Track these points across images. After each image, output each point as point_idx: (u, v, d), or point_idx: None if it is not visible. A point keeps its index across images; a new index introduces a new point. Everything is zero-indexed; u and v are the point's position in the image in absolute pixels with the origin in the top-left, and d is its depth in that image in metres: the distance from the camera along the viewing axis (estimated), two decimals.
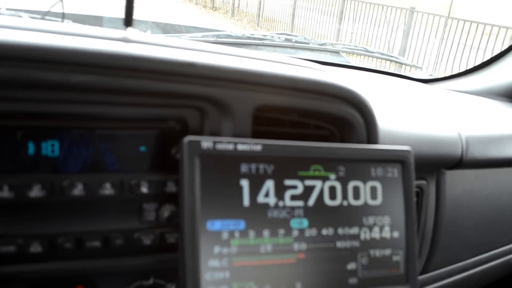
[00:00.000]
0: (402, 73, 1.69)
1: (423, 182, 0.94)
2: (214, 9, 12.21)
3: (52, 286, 0.62)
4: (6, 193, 0.56)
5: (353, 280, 0.64)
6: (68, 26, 0.63)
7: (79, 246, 0.60)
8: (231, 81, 0.62)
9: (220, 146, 0.58)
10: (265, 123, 0.67)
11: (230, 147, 0.58)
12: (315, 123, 0.72)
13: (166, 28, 1.87)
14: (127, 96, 0.59)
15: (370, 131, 0.71)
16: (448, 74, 1.67)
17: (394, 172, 0.67)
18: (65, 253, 0.60)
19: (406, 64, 1.80)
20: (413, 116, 1.00)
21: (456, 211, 1.01)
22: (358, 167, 0.65)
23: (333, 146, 0.64)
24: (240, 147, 0.58)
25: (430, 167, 0.94)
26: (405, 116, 0.97)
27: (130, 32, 0.63)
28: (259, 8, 10.59)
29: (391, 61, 1.77)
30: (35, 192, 0.57)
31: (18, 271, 0.59)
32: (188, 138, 0.56)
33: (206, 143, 0.57)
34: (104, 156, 0.62)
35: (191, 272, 0.55)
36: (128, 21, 0.62)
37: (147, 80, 0.58)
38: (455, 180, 0.99)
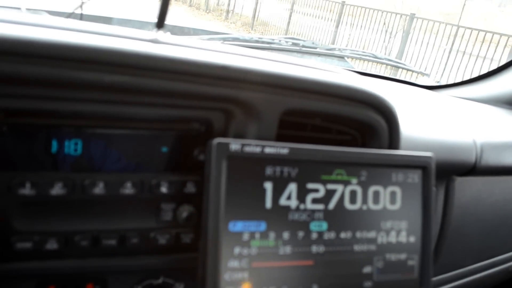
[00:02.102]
0: (409, 80, 1.69)
1: (433, 189, 0.95)
2: (207, 11, 12.18)
3: (64, 283, 0.62)
4: (28, 190, 0.56)
5: (368, 284, 0.64)
6: (98, 26, 0.63)
7: (95, 244, 0.60)
8: (261, 85, 0.62)
9: (247, 149, 0.58)
10: (287, 127, 0.68)
11: (258, 150, 0.58)
12: (338, 128, 0.72)
13: (174, 30, 1.87)
14: (155, 96, 0.59)
15: (393, 137, 0.71)
16: (446, 81, 1.68)
17: (414, 177, 0.68)
18: (80, 250, 0.60)
19: (413, 71, 1.81)
20: (426, 122, 1.01)
21: (462, 218, 1.02)
22: (380, 172, 0.66)
23: (358, 151, 0.65)
24: (267, 150, 0.59)
25: (442, 173, 0.94)
26: (419, 122, 0.97)
27: (160, 34, 0.64)
28: (255, 11, 10.57)
29: (398, 67, 1.77)
30: (57, 190, 0.57)
31: (32, 267, 0.59)
32: (217, 140, 0.57)
33: (235, 145, 0.57)
34: (126, 155, 0.62)
35: (211, 272, 0.55)
36: (160, 23, 0.63)
37: (179, 81, 0.58)
38: (464, 187, 1.00)
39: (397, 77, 1.76)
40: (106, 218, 0.61)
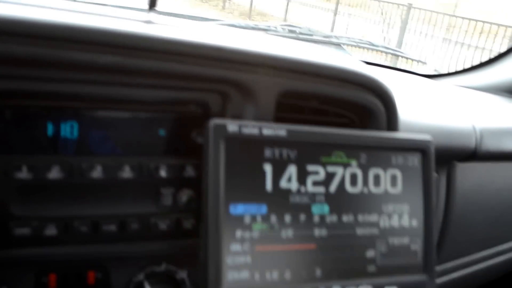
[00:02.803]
0: (406, 68, 1.68)
1: (435, 174, 0.94)
2: (204, 0, 12.11)
3: (64, 270, 0.61)
4: (24, 174, 0.55)
5: (371, 268, 0.63)
6: (93, 7, 0.62)
7: (95, 230, 0.60)
8: (258, 66, 0.62)
9: (245, 130, 0.57)
10: (284, 110, 0.67)
11: (256, 131, 0.57)
12: (335, 111, 0.71)
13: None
14: (151, 78, 0.58)
15: (390, 120, 0.71)
16: (445, 71, 1.67)
17: (414, 161, 0.67)
18: (80, 236, 0.59)
19: (411, 59, 1.80)
20: (425, 108, 1.00)
21: (466, 205, 1.01)
22: (379, 154, 0.65)
23: (356, 133, 0.64)
24: (265, 131, 0.58)
25: (442, 159, 0.93)
26: (417, 108, 0.97)
27: (154, 15, 0.63)
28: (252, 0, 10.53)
29: (396, 55, 1.76)
30: (54, 173, 0.57)
31: (31, 254, 0.58)
32: (213, 121, 0.56)
33: (232, 126, 0.56)
34: (124, 139, 0.61)
35: (213, 256, 0.55)
36: (152, 3, 0.62)
37: (174, 62, 0.57)
38: (465, 173, 0.99)
39: (395, 66, 1.75)
40: (105, 203, 0.61)
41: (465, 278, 1.11)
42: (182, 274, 0.66)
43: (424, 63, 1.75)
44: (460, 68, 1.67)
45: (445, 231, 0.99)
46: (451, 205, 0.98)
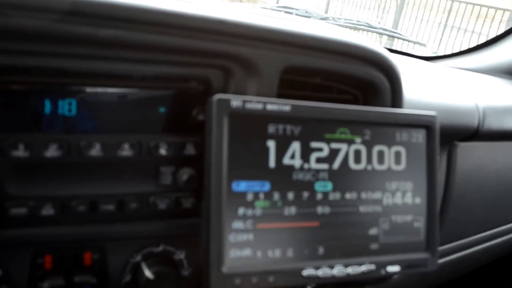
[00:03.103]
0: (405, 51, 1.67)
1: None
2: None
3: (60, 252, 0.60)
4: (21, 152, 0.54)
5: (374, 246, 0.63)
6: None
7: (93, 209, 0.58)
8: (261, 40, 0.60)
9: (249, 106, 0.56)
10: (287, 86, 0.66)
11: (259, 106, 0.56)
12: (339, 87, 0.70)
13: None
14: (152, 52, 0.57)
15: (395, 96, 0.70)
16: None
17: (418, 137, 0.66)
18: (78, 216, 0.58)
19: (409, 41, 1.78)
20: (427, 88, 0.99)
21: (465, 186, 1.01)
22: (384, 131, 0.64)
23: (361, 109, 0.63)
24: (269, 107, 0.57)
25: (444, 138, 0.93)
26: (419, 88, 0.96)
27: None
28: None
29: (394, 37, 1.75)
30: (51, 152, 0.55)
31: (27, 234, 0.57)
32: (217, 96, 0.55)
33: (236, 102, 0.55)
34: (123, 116, 0.60)
35: (215, 234, 0.54)
36: None
37: (175, 36, 0.56)
38: (466, 153, 0.99)
39: (393, 48, 1.74)
40: (104, 182, 0.59)
41: (461, 260, 1.11)
42: (180, 255, 0.66)
43: (422, 44, 1.73)
44: (458, 50, 1.66)
45: (444, 212, 0.99)
46: (451, 186, 0.98)
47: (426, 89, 0.97)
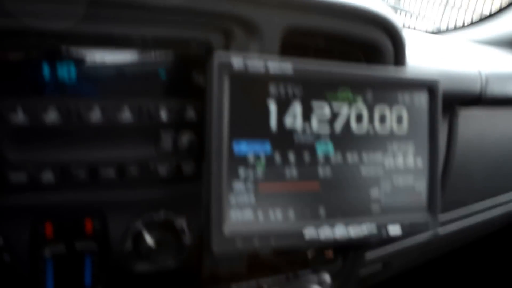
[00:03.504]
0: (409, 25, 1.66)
1: None
2: None
3: (61, 217, 0.60)
4: (20, 117, 0.53)
5: (375, 207, 0.63)
6: None
7: (93, 175, 0.58)
8: (261, 0, 0.59)
9: (250, 65, 0.55)
10: (290, 49, 0.65)
11: (261, 66, 0.56)
12: (341, 49, 0.69)
13: None
14: (151, 13, 0.56)
15: (398, 57, 0.69)
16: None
17: (421, 99, 0.66)
18: (78, 182, 0.57)
19: (413, 15, 1.76)
20: (430, 56, 0.98)
21: (466, 154, 1.01)
22: (386, 92, 0.63)
23: (363, 69, 0.63)
24: (271, 66, 0.56)
25: (446, 104, 0.93)
26: (422, 55, 0.95)
27: None
28: None
29: (395, 10, 1.73)
30: (51, 116, 0.54)
31: (27, 200, 0.56)
32: (218, 55, 0.54)
33: (237, 62, 0.55)
34: (122, 80, 0.59)
35: (216, 195, 0.54)
36: None
37: None
38: (467, 121, 0.99)
39: None
40: (104, 147, 0.59)
41: (462, 230, 1.12)
42: (181, 222, 0.65)
43: (426, 19, 1.71)
44: (460, 24, 1.65)
45: (446, 179, 0.99)
46: (452, 153, 0.98)
47: (429, 57, 0.96)
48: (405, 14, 1.77)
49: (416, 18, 1.76)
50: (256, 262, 0.72)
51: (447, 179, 1.00)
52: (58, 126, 0.55)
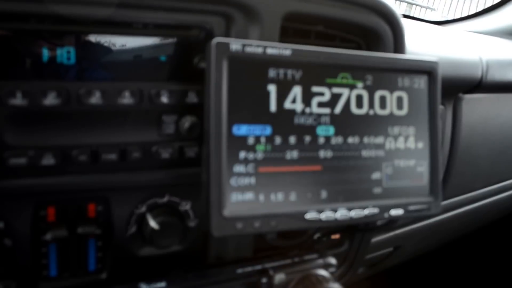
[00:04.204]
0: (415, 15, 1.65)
1: (441, 107, 0.93)
2: None
3: (64, 202, 0.60)
4: (19, 100, 0.53)
5: (377, 190, 0.63)
6: None
7: (94, 159, 0.58)
8: None
9: (249, 49, 0.56)
10: (290, 35, 0.65)
11: (259, 50, 0.56)
12: (341, 36, 0.70)
13: None
14: None
15: (397, 43, 0.70)
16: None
17: (420, 83, 0.66)
18: (79, 166, 0.57)
19: (418, 5, 1.75)
20: (432, 43, 0.99)
21: (471, 138, 1.01)
22: (386, 76, 0.64)
23: (362, 54, 0.63)
24: (270, 50, 0.57)
25: (449, 91, 0.93)
26: (424, 42, 0.95)
27: None
28: None
29: (402, 1, 1.72)
30: (50, 99, 0.54)
31: (29, 184, 0.56)
32: (216, 40, 0.54)
33: (235, 45, 0.55)
34: (123, 64, 0.59)
35: (215, 177, 0.54)
36: None
37: None
38: (471, 106, 0.99)
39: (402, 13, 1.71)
40: (105, 131, 0.59)
41: (468, 214, 1.12)
42: (185, 206, 0.66)
43: (432, 9, 1.70)
44: (466, 14, 1.64)
45: (451, 164, 0.99)
46: (457, 139, 0.98)
47: (430, 44, 0.97)
48: (415, 7, 1.76)
49: (426, 10, 1.75)
50: (262, 246, 0.72)
51: (453, 164, 1.00)
52: (58, 109, 0.55)
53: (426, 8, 1.70)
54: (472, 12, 1.65)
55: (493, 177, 1.16)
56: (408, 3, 1.64)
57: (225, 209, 0.55)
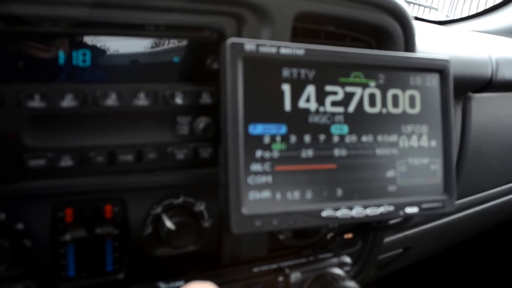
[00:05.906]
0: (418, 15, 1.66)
1: None
2: None
3: (81, 203, 0.60)
4: (37, 103, 0.53)
5: (392, 188, 0.64)
6: None
7: (111, 160, 0.58)
8: None
9: (263, 49, 0.56)
10: (300, 35, 0.66)
11: (273, 50, 0.57)
12: (352, 35, 0.70)
13: None
14: (163, 0, 0.57)
15: (408, 42, 0.70)
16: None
17: (432, 81, 0.66)
18: (96, 167, 0.58)
19: (421, 5, 1.76)
20: (440, 41, 0.99)
21: (481, 138, 1.01)
22: (398, 75, 0.64)
23: (375, 53, 0.64)
24: (283, 50, 0.57)
25: (458, 90, 0.93)
26: (433, 42, 0.96)
27: None
28: None
29: (404, 1, 1.72)
30: (67, 102, 0.55)
31: (47, 186, 0.57)
32: (231, 40, 0.55)
33: (249, 45, 0.56)
34: (137, 66, 0.60)
35: (233, 176, 0.55)
36: None
37: None
38: (480, 106, 0.99)
39: None
40: (121, 132, 0.60)
41: (478, 215, 1.11)
42: (200, 206, 0.66)
43: (435, 9, 1.71)
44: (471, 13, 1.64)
45: (461, 164, 0.99)
46: (467, 138, 0.98)
47: (439, 43, 0.97)
48: (418, 7, 1.77)
49: (430, 10, 1.76)
50: (275, 246, 0.73)
51: (463, 164, 1.00)
52: (75, 111, 0.56)
53: (430, 8, 1.70)
54: (473, 12, 1.65)
55: (503, 177, 1.16)
56: (411, 3, 1.64)
57: (244, 207, 0.55)
